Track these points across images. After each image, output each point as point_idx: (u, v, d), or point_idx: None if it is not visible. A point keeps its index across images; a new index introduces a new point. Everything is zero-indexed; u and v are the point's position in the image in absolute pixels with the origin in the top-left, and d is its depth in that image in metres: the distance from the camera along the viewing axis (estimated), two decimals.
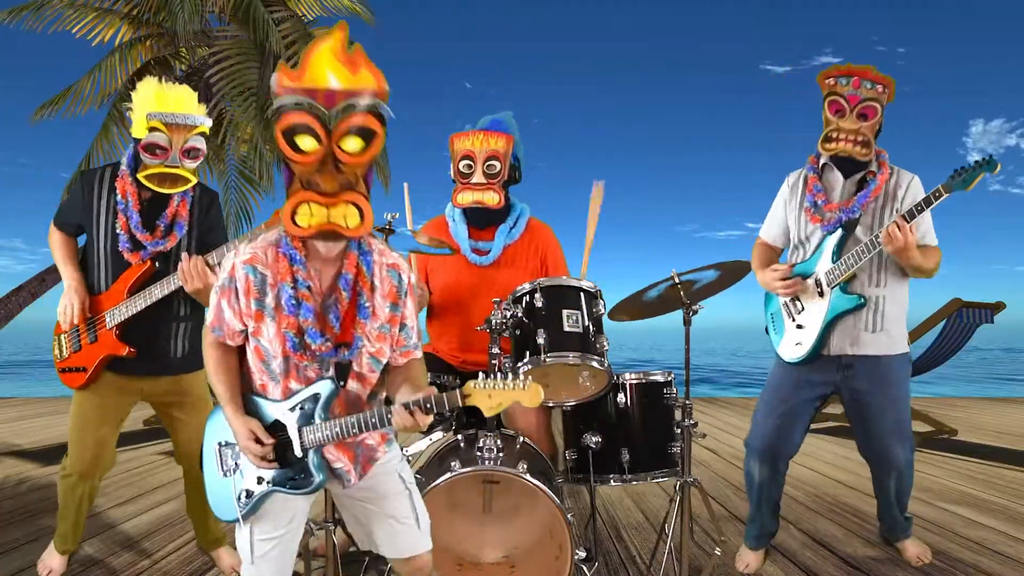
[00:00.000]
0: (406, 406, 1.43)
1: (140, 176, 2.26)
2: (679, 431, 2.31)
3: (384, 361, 1.62)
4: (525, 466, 2.04)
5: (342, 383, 1.53)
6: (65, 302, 2.31)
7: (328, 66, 1.32)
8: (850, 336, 2.43)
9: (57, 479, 2.44)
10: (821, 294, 2.45)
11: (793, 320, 2.55)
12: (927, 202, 2.24)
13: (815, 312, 2.47)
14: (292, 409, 1.52)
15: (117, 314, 2.30)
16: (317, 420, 1.49)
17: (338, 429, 1.48)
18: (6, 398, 8.10)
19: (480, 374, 1.43)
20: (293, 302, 1.48)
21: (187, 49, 7.53)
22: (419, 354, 1.69)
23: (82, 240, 2.43)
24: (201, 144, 2.32)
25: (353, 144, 1.35)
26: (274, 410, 1.54)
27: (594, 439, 2.33)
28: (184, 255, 2.27)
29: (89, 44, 7.54)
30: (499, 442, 2.12)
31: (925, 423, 5.52)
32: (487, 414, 1.37)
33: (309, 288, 1.49)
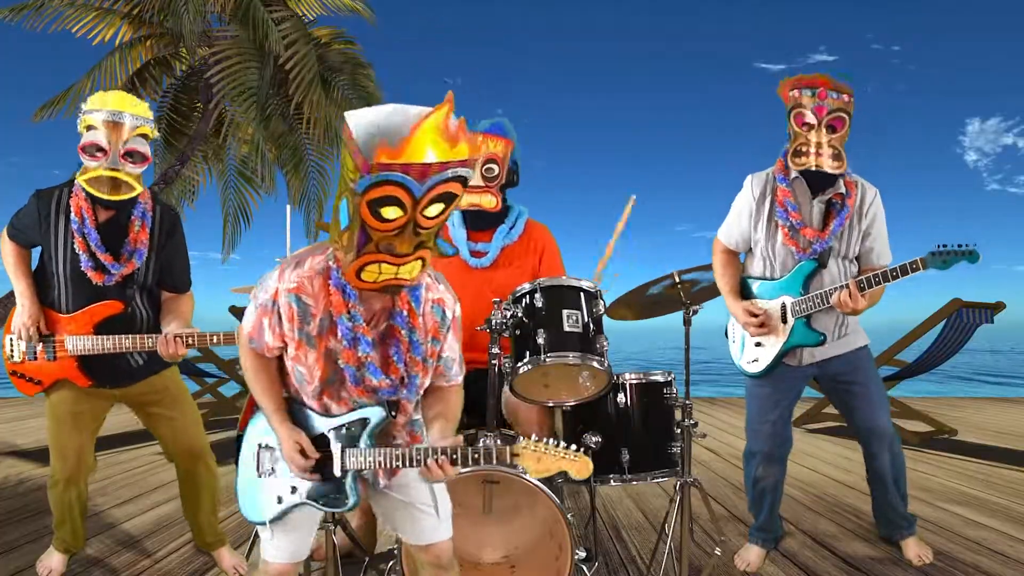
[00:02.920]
0: (445, 454, 1.46)
1: (80, 180, 2.18)
2: (679, 431, 2.31)
3: (422, 391, 1.65)
4: None
5: (394, 414, 1.56)
6: (18, 323, 2.26)
7: (430, 142, 1.26)
8: (818, 349, 2.50)
9: (47, 489, 2.42)
10: (784, 320, 2.47)
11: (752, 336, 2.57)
12: (903, 271, 2.23)
13: (776, 336, 2.50)
14: (338, 428, 1.53)
15: (80, 345, 2.26)
16: (362, 445, 1.51)
17: (380, 458, 1.50)
18: (6, 398, 8.09)
19: (532, 438, 1.46)
20: (351, 335, 1.48)
21: (187, 49, 7.53)
22: (458, 382, 1.71)
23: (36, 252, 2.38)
24: (144, 148, 2.23)
25: (435, 210, 1.32)
26: (320, 424, 1.56)
27: (594, 439, 2.33)
28: (162, 338, 2.25)
29: (89, 44, 7.54)
30: (499, 442, 2.11)
31: (925, 423, 5.51)
32: (533, 476, 1.41)
33: (364, 322, 1.50)
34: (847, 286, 2.30)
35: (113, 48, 7.61)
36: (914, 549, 2.67)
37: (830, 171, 2.35)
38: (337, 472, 1.52)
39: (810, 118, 2.34)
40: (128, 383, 2.39)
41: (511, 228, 2.64)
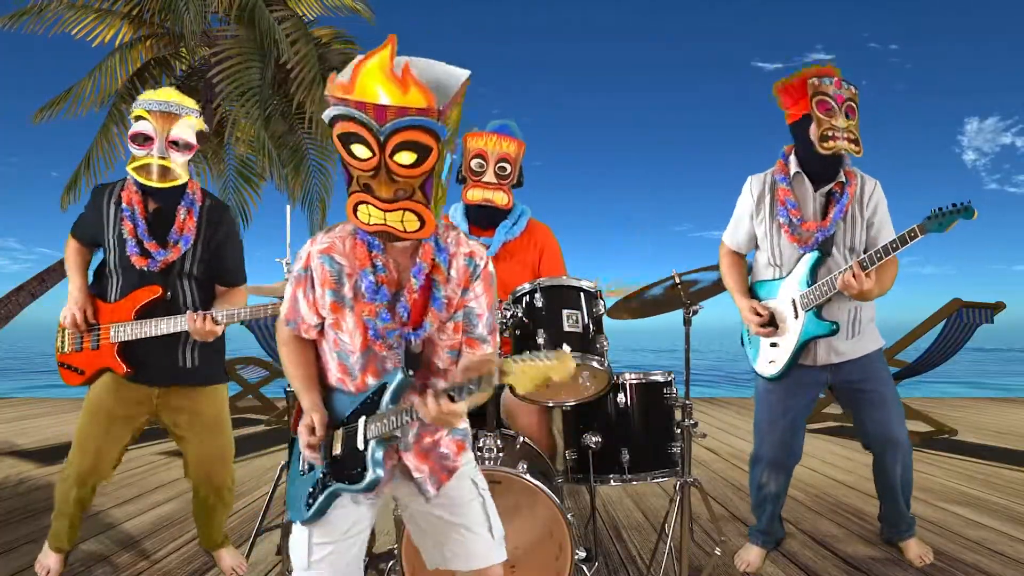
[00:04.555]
0: (434, 394, 1.37)
1: (129, 168, 2.24)
2: (679, 431, 2.31)
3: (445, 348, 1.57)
4: (525, 466, 2.04)
5: (411, 372, 1.49)
6: (65, 312, 2.34)
7: (377, 82, 1.31)
8: (833, 348, 2.49)
9: (57, 479, 2.43)
10: (796, 316, 2.48)
11: (767, 337, 2.57)
12: (902, 241, 2.24)
13: (789, 333, 2.50)
14: (364, 401, 1.49)
15: (121, 332, 2.29)
16: (382, 410, 1.45)
17: (394, 418, 1.43)
18: (6, 398, 8.10)
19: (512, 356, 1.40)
20: (373, 288, 1.47)
21: (188, 50, 7.54)
22: (489, 349, 1.58)
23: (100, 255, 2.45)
24: (189, 137, 2.26)
25: (406, 158, 1.34)
26: (350, 403, 1.52)
27: (594, 439, 2.33)
28: (189, 313, 2.25)
29: (89, 45, 7.55)
30: (499, 442, 2.12)
31: (925, 423, 5.52)
32: (521, 392, 1.34)
33: (388, 273, 1.49)
34: (851, 267, 2.30)
35: (113, 49, 7.61)
36: (914, 549, 2.68)
37: (854, 155, 2.39)
38: (360, 444, 1.46)
39: (831, 104, 2.38)
40: (172, 383, 2.36)
41: (513, 224, 2.67)
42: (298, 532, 1.55)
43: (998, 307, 4.93)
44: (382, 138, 1.32)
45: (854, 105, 2.39)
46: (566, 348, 1.32)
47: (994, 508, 3.47)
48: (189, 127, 2.27)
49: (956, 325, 5.01)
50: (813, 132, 2.39)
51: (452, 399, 1.34)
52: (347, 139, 1.34)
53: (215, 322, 2.24)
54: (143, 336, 2.28)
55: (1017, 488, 3.89)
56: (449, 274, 1.53)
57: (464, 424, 1.61)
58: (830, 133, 2.38)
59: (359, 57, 1.35)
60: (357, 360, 1.51)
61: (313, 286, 1.51)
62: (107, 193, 2.36)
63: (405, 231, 1.39)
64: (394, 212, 1.37)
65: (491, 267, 1.59)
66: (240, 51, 7.07)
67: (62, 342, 2.40)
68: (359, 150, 1.34)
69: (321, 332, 1.57)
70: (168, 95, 2.28)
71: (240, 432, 5.67)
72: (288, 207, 2.75)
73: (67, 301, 2.36)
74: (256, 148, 7.80)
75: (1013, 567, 2.65)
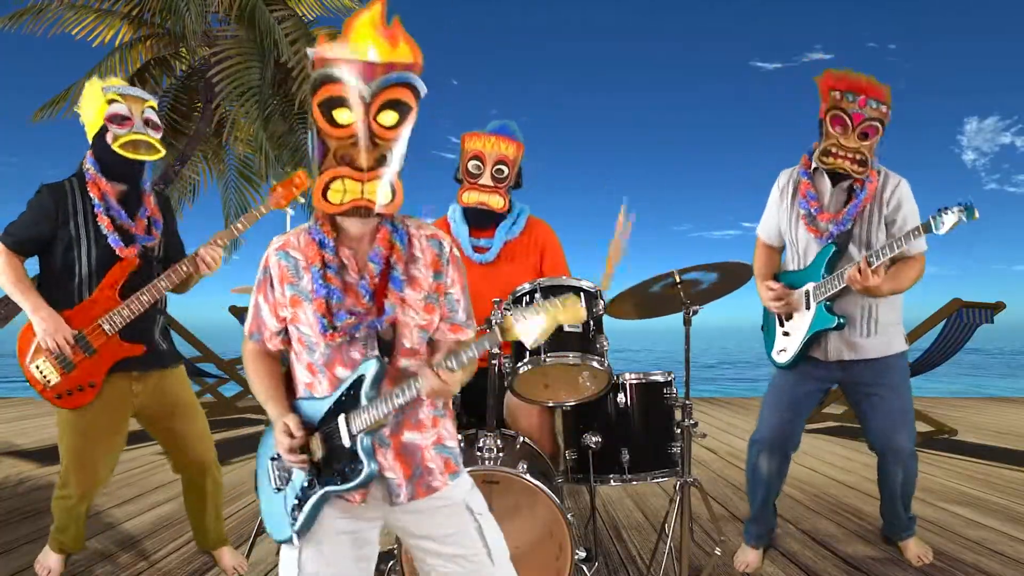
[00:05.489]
0: (440, 366, 1.36)
1: (115, 146, 2.24)
2: (679, 431, 2.31)
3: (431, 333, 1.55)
4: (525, 466, 2.04)
5: (386, 358, 1.46)
6: (48, 334, 2.17)
7: (368, 38, 1.30)
8: (846, 342, 2.49)
9: (53, 499, 2.39)
10: (808, 307, 2.50)
11: (781, 326, 2.61)
12: (906, 239, 2.27)
13: (800, 323, 2.53)
14: (339, 399, 1.45)
15: (117, 318, 2.24)
16: (363, 402, 1.42)
17: (382, 405, 1.39)
18: (6, 398, 8.10)
19: (511, 309, 1.36)
20: (321, 283, 1.45)
21: (188, 50, 7.53)
22: (471, 333, 1.58)
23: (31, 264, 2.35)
24: (156, 117, 2.37)
25: (389, 117, 1.34)
26: (321, 406, 1.47)
27: (594, 439, 2.33)
28: (199, 250, 2.35)
29: (89, 45, 7.55)
30: (499, 442, 2.12)
31: (925, 423, 5.51)
32: (531, 344, 1.32)
33: (337, 270, 1.47)
34: (858, 263, 2.31)
35: (113, 49, 7.61)
36: (914, 549, 2.68)
37: (852, 175, 2.39)
38: (346, 441, 1.42)
39: (846, 122, 2.36)
40: (155, 366, 2.37)
41: (513, 224, 2.65)
42: (289, 559, 1.49)
43: (998, 307, 4.93)
44: (368, 98, 1.32)
45: (878, 125, 2.35)
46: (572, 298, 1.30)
47: (994, 508, 3.47)
48: (153, 109, 2.37)
49: (956, 325, 5.01)
50: (818, 143, 2.43)
51: (451, 369, 1.35)
52: (330, 104, 1.33)
53: (220, 245, 2.39)
54: (145, 307, 2.28)
55: (1017, 488, 3.89)
56: (412, 253, 1.52)
57: (452, 443, 1.58)
58: (833, 149, 2.39)
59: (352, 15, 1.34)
60: (322, 354, 1.47)
61: (273, 286, 1.50)
62: (67, 191, 2.27)
63: (375, 202, 1.38)
64: (371, 182, 1.37)
65: (455, 251, 1.59)
66: (240, 51, 7.07)
67: (45, 375, 2.21)
68: (342, 115, 1.33)
69: (286, 340, 1.55)
70: (125, 82, 2.37)
71: (240, 432, 5.66)
72: (288, 207, 2.76)
73: (42, 327, 2.17)
74: (255, 148, 7.80)
75: (1013, 567, 2.65)
